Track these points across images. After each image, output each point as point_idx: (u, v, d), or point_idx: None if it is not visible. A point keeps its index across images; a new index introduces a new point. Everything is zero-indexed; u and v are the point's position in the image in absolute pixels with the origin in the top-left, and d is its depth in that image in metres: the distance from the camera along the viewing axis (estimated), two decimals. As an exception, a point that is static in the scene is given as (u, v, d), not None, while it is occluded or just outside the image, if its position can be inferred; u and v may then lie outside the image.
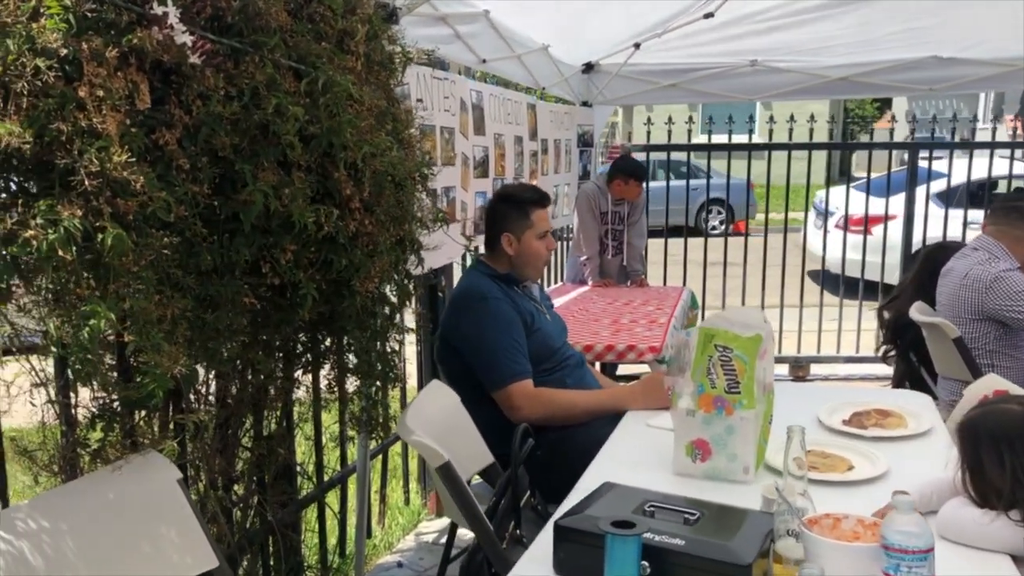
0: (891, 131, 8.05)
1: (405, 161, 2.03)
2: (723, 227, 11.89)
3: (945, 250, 3.53)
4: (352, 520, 2.92)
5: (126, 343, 1.45)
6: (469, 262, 3.92)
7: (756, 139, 5.85)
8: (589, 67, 5.25)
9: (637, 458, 1.95)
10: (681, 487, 1.76)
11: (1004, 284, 2.95)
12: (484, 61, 3.66)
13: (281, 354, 2.13)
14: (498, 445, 2.28)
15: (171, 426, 1.82)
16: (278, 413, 2.36)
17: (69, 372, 1.63)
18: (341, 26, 1.90)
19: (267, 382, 2.09)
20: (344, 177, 1.88)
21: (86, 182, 1.32)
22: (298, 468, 2.55)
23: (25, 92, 1.28)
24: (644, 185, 4.84)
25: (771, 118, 5.59)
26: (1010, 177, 6.06)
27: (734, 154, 5.55)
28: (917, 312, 3.29)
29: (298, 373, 2.34)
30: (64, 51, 1.30)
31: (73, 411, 1.69)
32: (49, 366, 1.61)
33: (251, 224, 1.68)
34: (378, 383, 2.48)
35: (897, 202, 5.62)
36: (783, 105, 5.70)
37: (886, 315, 3.79)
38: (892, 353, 3.66)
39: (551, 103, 4.84)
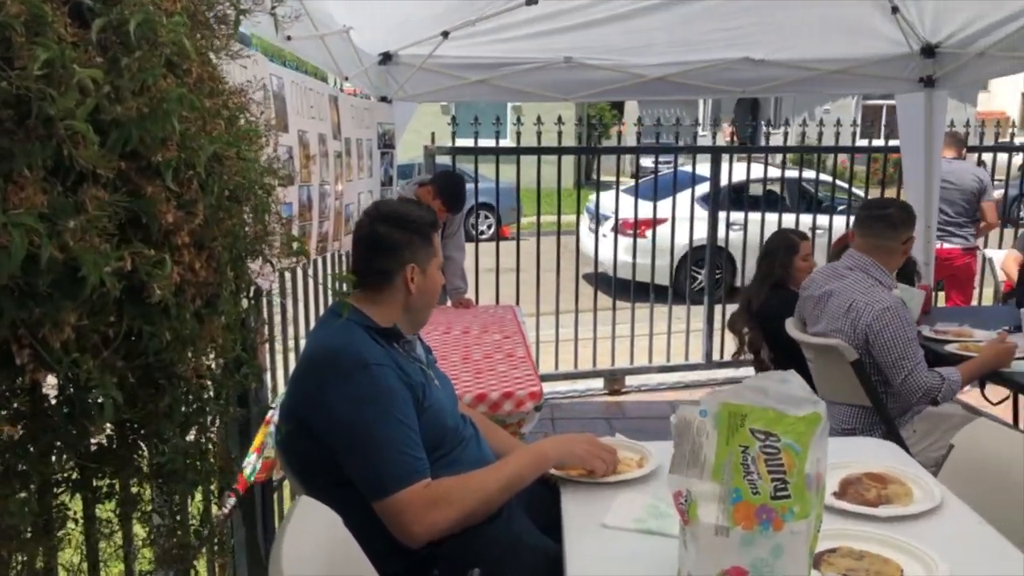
0: (619, 135, 8.13)
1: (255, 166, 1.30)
2: (491, 231, 11.66)
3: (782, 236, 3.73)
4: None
5: None
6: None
7: (506, 143, 5.46)
8: (387, 57, 4.60)
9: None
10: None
11: (886, 327, 2.72)
12: (289, 38, 2.89)
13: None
14: (385, 565, 1.61)
15: None
16: None
17: None
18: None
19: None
20: (162, 196, 1.12)
21: None
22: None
23: None
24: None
25: (519, 120, 5.19)
26: (764, 180, 6.23)
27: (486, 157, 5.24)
28: (796, 331, 3.04)
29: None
30: None
31: None
32: None
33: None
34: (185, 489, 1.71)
35: (664, 206, 5.72)
36: (534, 107, 5.44)
37: (746, 330, 3.57)
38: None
39: (350, 96, 4.12)
